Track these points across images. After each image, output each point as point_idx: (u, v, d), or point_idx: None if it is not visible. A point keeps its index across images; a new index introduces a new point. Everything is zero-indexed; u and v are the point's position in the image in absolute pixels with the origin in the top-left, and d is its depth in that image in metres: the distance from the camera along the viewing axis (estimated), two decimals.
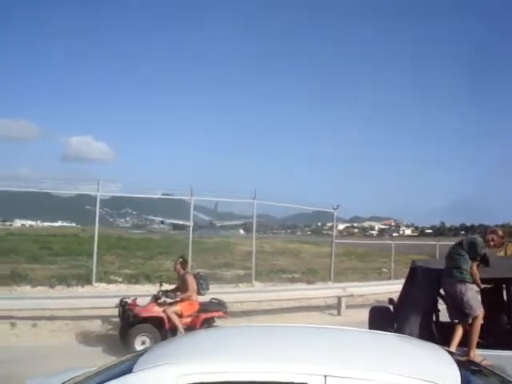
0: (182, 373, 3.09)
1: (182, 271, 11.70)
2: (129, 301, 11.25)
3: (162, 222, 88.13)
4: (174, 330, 10.72)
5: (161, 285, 11.99)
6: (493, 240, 6.81)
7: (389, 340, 4.24)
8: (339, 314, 15.51)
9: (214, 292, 15.54)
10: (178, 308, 11.08)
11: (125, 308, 11.04)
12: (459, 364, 3.50)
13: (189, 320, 11.12)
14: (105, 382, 3.28)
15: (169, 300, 11.19)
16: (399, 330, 6.17)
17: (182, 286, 11.47)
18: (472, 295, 6.39)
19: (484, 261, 6.64)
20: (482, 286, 6.62)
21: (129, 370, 3.28)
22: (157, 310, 10.98)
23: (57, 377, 4.09)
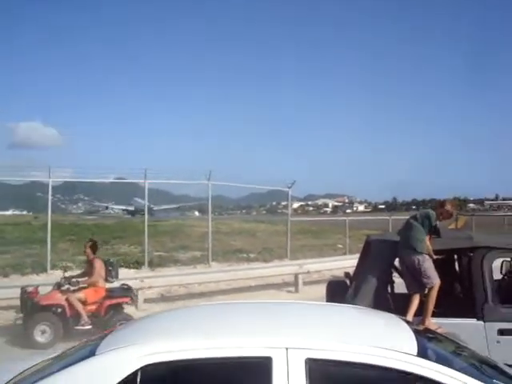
0: (146, 353, 3.09)
1: (91, 255, 11.23)
2: (30, 289, 10.77)
3: (106, 208, 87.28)
4: (77, 318, 10.36)
5: (65, 271, 11.61)
6: (443, 213, 7.00)
7: (347, 311, 4.34)
8: (297, 290, 15.71)
9: (172, 274, 15.60)
10: (81, 295, 10.64)
11: (24, 297, 10.60)
12: (415, 332, 3.60)
13: (93, 307, 10.70)
14: (67, 366, 3.26)
15: (72, 287, 10.71)
16: (356, 303, 6.29)
17: (89, 272, 11.05)
18: (428, 265, 6.55)
19: (436, 232, 6.81)
20: (435, 256, 6.78)
21: (92, 354, 3.27)
22: (58, 298, 10.50)
23: (18, 363, 4.04)
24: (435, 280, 6.50)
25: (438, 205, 7.19)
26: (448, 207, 7.05)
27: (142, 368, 3.03)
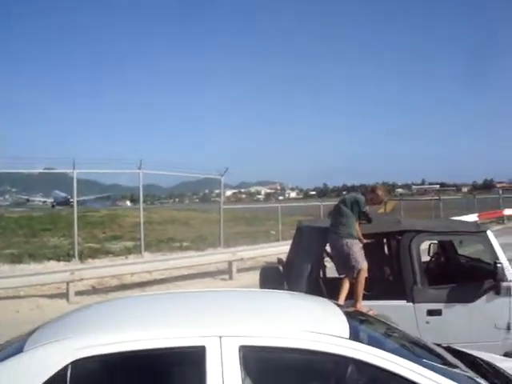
0: (76, 347, 3.03)
1: None
2: None
3: (27, 200, 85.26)
4: None
5: None
6: (373, 199, 7.13)
7: (280, 297, 4.38)
8: (231, 278, 15.75)
9: (104, 265, 15.34)
10: None
11: None
12: (347, 315, 3.67)
13: None
14: None
15: None
16: (289, 288, 6.37)
17: None
18: (357, 249, 6.66)
19: (366, 218, 6.93)
20: (365, 240, 6.91)
21: (19, 350, 3.17)
22: None
23: None
24: (363, 263, 6.62)
25: (369, 190, 7.31)
26: (379, 193, 7.19)
27: (72, 363, 2.96)
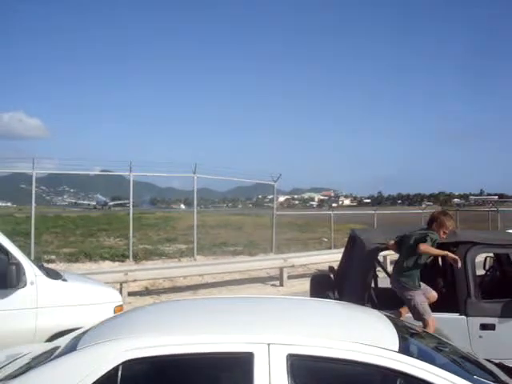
0: (127, 348, 3.09)
1: None
2: None
3: (75, 203, 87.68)
4: None
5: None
6: (445, 231, 6.56)
7: (330, 307, 4.35)
8: (282, 284, 15.70)
9: (157, 267, 15.55)
10: None
11: None
12: (397, 327, 3.62)
13: None
14: (49, 360, 3.25)
15: None
16: (340, 297, 6.31)
17: None
18: (420, 300, 6.13)
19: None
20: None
21: (73, 348, 3.26)
22: None
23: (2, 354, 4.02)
24: (429, 316, 5.98)
25: (438, 224, 6.61)
26: (449, 223, 6.57)
27: (122, 364, 3.02)
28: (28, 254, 16.47)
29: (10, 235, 19.97)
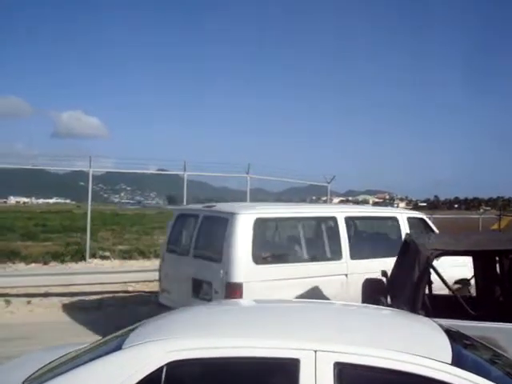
0: (172, 349, 3.07)
1: None
2: None
3: (119, 202, 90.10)
4: None
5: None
6: None
7: (380, 314, 4.24)
8: None
9: None
10: None
11: None
12: (451, 338, 3.49)
13: None
14: (95, 358, 3.26)
15: None
16: (392, 303, 6.18)
17: None
18: None
19: None
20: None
21: (118, 347, 3.26)
22: None
23: (49, 353, 4.08)
24: None
25: None
26: None
27: (167, 364, 3.01)
28: (84, 250, 16.99)
29: (67, 231, 20.64)
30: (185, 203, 18.93)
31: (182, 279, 8.89)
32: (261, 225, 8.28)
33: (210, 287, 8.09)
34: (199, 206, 9.83)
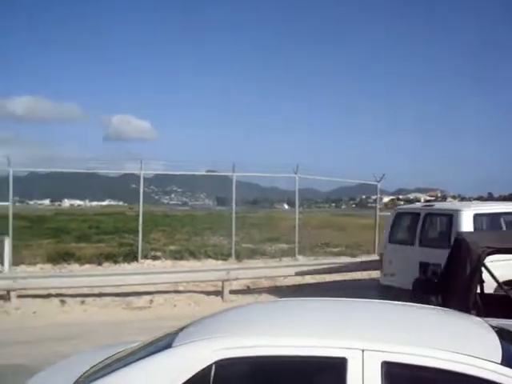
0: (220, 347, 3.11)
1: None
2: None
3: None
4: None
5: None
6: None
7: (429, 313, 4.17)
8: None
9: (258, 266, 15.71)
10: None
11: None
12: (501, 337, 3.42)
13: None
14: (145, 357, 3.33)
15: None
16: (443, 302, 6.09)
17: None
18: None
19: None
20: None
21: (168, 346, 3.33)
22: None
23: (100, 352, 4.18)
24: None
25: None
26: None
27: (215, 363, 3.05)
28: (136, 251, 17.30)
29: (120, 232, 21.03)
30: (234, 204, 19.06)
31: (409, 263, 10.70)
32: (478, 218, 10.39)
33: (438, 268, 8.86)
34: (419, 205, 13.20)
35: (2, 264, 14.46)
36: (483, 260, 6.79)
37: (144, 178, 18.12)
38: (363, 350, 2.98)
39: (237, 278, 13.92)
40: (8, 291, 12.16)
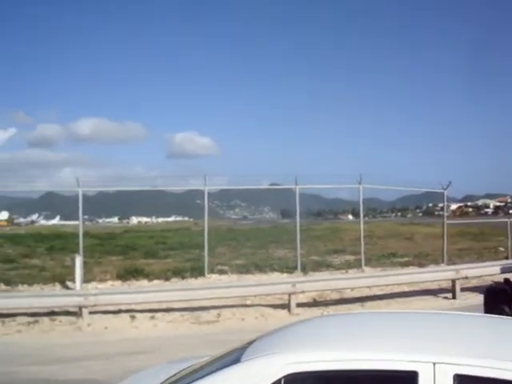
0: (289, 362, 3.10)
1: None
2: None
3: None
4: None
5: None
6: None
7: (502, 324, 4.06)
8: (454, 297, 15.02)
9: (324, 278, 15.61)
10: None
11: None
12: None
13: None
14: (214, 372, 3.36)
15: None
16: None
17: None
18: None
19: None
20: None
21: (237, 360, 3.34)
22: None
23: (170, 367, 4.24)
24: None
25: None
26: None
27: (284, 377, 3.04)
28: (202, 266, 17.50)
29: (186, 247, 21.30)
30: (298, 216, 19.04)
31: None
32: None
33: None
34: None
35: (74, 281, 14.90)
36: None
37: (208, 194, 18.37)
38: (435, 363, 2.92)
39: (303, 291, 13.88)
40: (80, 308, 12.51)
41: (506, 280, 7.75)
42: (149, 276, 17.57)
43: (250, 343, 3.71)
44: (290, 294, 13.39)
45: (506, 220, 25.45)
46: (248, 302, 14.04)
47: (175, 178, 20.06)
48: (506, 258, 20.47)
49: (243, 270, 18.79)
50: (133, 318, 12.71)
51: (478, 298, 9.89)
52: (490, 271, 16.01)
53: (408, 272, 16.73)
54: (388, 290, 15.37)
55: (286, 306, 13.47)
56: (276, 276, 17.60)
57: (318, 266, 19.54)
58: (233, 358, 3.48)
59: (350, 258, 21.66)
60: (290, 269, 18.54)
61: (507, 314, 5.98)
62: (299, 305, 13.66)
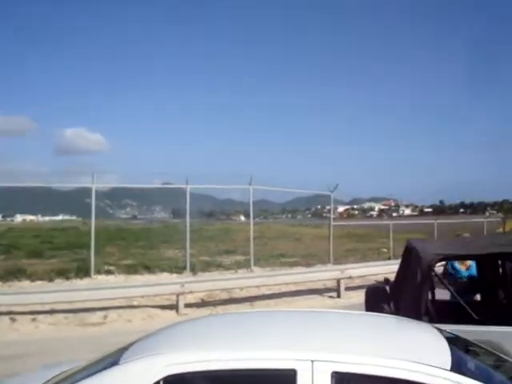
0: (170, 363, 3.06)
1: None
2: None
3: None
4: None
5: None
6: None
7: (379, 321, 4.19)
8: (339, 296, 15.50)
9: (213, 279, 15.60)
10: None
11: None
12: (451, 343, 3.45)
13: None
14: (92, 375, 3.25)
15: None
16: (395, 310, 6.13)
17: None
18: None
19: None
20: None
21: (115, 363, 3.25)
22: None
23: (48, 371, 4.06)
24: None
25: None
26: None
27: (164, 378, 2.99)
28: (88, 266, 16.98)
29: (73, 247, 20.61)
30: (188, 216, 18.92)
31: None
32: None
33: None
34: None
35: None
36: (433, 266, 6.88)
37: (98, 192, 17.85)
38: (313, 361, 2.96)
39: (191, 291, 13.79)
40: None
41: (386, 279, 8.05)
42: (31, 277, 16.81)
43: (131, 345, 3.62)
44: (178, 295, 13.27)
45: (389, 222, 26.64)
46: (135, 303, 13.76)
47: (63, 175, 19.35)
48: (389, 258, 21.35)
49: (131, 270, 18.40)
50: (13, 320, 12.11)
51: (362, 297, 10.23)
52: (373, 271, 16.59)
53: (295, 272, 17.07)
54: (276, 290, 15.59)
55: (174, 307, 13.34)
56: (165, 276, 17.37)
57: (208, 267, 19.50)
58: (111, 360, 3.38)
59: (241, 258, 21.79)
60: (179, 269, 18.37)
61: (387, 312, 6.19)
62: (188, 305, 13.57)
